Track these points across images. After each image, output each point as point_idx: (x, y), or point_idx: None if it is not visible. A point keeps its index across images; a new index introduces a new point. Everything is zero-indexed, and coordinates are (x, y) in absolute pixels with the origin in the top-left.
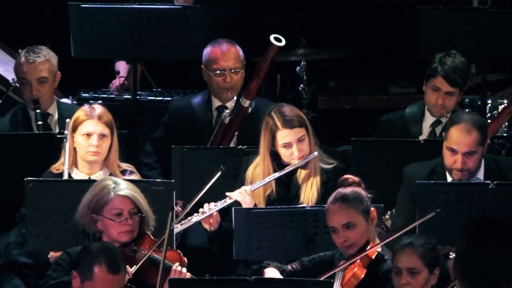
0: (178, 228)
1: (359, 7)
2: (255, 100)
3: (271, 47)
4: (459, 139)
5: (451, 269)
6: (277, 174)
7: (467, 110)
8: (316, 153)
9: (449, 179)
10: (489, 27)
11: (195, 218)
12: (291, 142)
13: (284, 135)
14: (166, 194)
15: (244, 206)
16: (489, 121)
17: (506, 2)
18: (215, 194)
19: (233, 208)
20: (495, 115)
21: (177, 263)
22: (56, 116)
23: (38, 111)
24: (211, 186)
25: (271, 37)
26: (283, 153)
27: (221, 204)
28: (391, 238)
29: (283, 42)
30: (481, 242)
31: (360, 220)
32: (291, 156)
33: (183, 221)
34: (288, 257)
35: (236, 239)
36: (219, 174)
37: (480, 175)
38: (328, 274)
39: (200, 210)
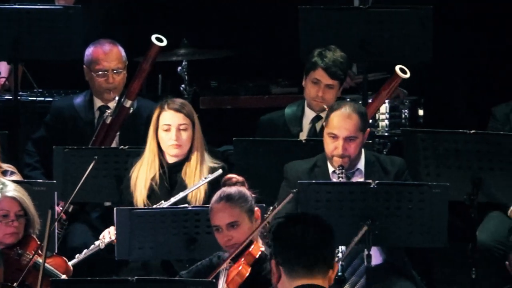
0: (81, 256)
1: (240, 6)
2: (137, 100)
3: (152, 48)
4: (339, 123)
5: None
6: (201, 182)
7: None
8: (220, 171)
9: (331, 169)
10: (370, 26)
11: (94, 246)
12: (171, 126)
13: (166, 117)
14: (48, 195)
15: None
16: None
17: (386, 2)
18: (95, 193)
19: (114, 208)
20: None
21: (64, 275)
22: None
23: None
24: (92, 185)
25: (153, 37)
26: (163, 137)
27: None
28: (260, 226)
29: (165, 42)
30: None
31: (244, 219)
32: (169, 141)
33: (85, 250)
34: (170, 257)
35: (118, 239)
36: (92, 164)
37: (361, 165)
38: (213, 275)
39: (100, 237)
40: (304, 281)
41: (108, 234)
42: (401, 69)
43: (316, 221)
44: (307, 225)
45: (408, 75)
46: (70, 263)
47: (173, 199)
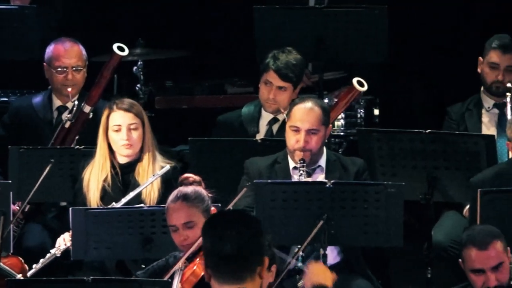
0: (38, 266)
1: (196, 6)
2: None
3: (114, 56)
4: (302, 116)
5: None
6: (150, 180)
7: None
8: (168, 166)
9: (291, 165)
10: (325, 26)
11: (51, 254)
12: (121, 126)
13: (116, 117)
14: (3, 195)
15: None
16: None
17: (342, 2)
18: (51, 193)
19: (70, 208)
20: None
21: (20, 275)
22: None
23: None
24: (48, 185)
25: (114, 46)
26: (113, 137)
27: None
28: None
29: (126, 52)
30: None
31: (201, 219)
32: (119, 141)
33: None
34: (126, 257)
35: (74, 239)
36: (48, 168)
37: (322, 163)
38: (168, 275)
39: (56, 245)
40: (232, 286)
41: (63, 242)
42: (359, 82)
43: (241, 220)
44: (231, 230)
45: (365, 87)
46: (28, 274)
47: (124, 200)
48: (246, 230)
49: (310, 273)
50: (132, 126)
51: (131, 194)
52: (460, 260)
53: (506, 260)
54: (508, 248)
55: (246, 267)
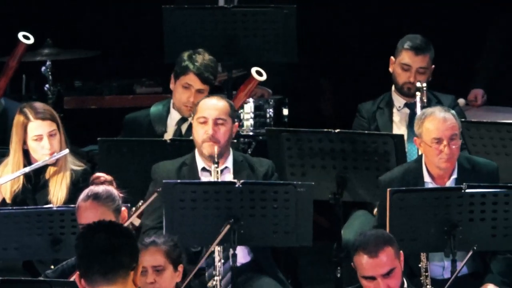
0: None
1: (104, 6)
2: (4, 101)
3: (19, 45)
4: (209, 106)
5: None
6: (27, 169)
7: None
8: (67, 150)
9: (200, 166)
10: (235, 26)
11: None
12: (42, 135)
13: (35, 127)
14: None
15: None
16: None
17: (251, 1)
18: None
19: None
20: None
21: None
22: None
23: None
24: None
25: (20, 35)
26: (34, 147)
27: None
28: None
29: (32, 40)
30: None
31: (111, 218)
32: (42, 150)
33: None
34: (35, 257)
35: None
36: None
37: (229, 163)
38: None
39: None
40: None
41: None
42: (257, 71)
43: (112, 227)
44: (101, 233)
45: (264, 77)
46: None
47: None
48: (120, 234)
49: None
50: (52, 133)
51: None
52: (352, 264)
53: (398, 266)
54: (401, 251)
55: (117, 269)
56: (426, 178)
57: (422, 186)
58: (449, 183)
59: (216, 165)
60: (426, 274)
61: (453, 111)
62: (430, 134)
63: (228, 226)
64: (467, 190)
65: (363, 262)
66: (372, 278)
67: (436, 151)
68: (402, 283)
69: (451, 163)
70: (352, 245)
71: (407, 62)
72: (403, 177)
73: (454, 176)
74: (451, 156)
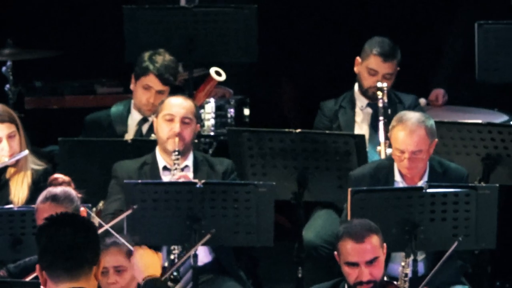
0: None
1: (65, 6)
2: None
3: None
4: (176, 104)
5: None
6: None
7: None
8: (26, 151)
9: (161, 165)
10: (196, 26)
11: None
12: (1, 137)
13: None
14: None
15: None
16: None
17: (212, 1)
18: None
19: None
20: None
21: None
22: None
23: None
24: None
25: None
26: None
27: None
28: None
29: None
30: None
31: None
32: (1, 152)
33: None
34: None
35: None
36: None
37: (189, 162)
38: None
39: None
40: (68, 285)
41: None
42: (216, 72)
43: (76, 221)
44: (66, 227)
45: (223, 77)
46: None
47: None
48: (82, 228)
49: (139, 264)
50: (11, 135)
51: None
52: (335, 252)
53: (381, 256)
54: (385, 244)
55: (82, 265)
56: (397, 177)
57: (392, 185)
58: (419, 184)
59: (177, 153)
60: (405, 279)
61: (429, 123)
62: (395, 142)
63: (208, 236)
64: (428, 190)
65: (348, 247)
66: (356, 265)
67: (398, 158)
68: (383, 275)
69: (412, 172)
70: (337, 233)
71: (374, 68)
72: (374, 174)
73: (425, 179)
74: (412, 168)
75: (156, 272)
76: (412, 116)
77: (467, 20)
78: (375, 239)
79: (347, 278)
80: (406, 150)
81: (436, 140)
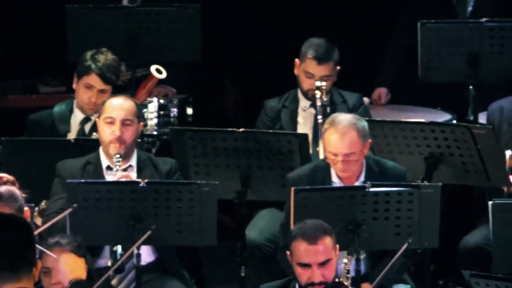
0: None
1: (7, 4)
2: None
3: None
4: (116, 106)
5: None
6: None
7: None
8: None
9: (104, 165)
10: (138, 25)
11: None
12: None
13: None
14: None
15: None
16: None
17: (155, 0)
18: None
19: None
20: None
21: None
22: None
23: None
24: None
25: None
26: None
27: None
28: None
29: None
30: None
31: None
32: None
33: None
34: None
35: None
36: None
37: (133, 162)
38: None
39: None
40: (13, 285)
41: None
42: (157, 69)
43: (16, 221)
44: (9, 229)
45: (164, 75)
46: None
47: None
48: (26, 229)
49: (64, 268)
50: None
51: None
52: (288, 252)
53: (334, 258)
54: (337, 245)
55: (25, 265)
56: (334, 178)
57: (330, 185)
58: (357, 184)
59: (118, 155)
60: (348, 275)
61: (360, 125)
62: (327, 145)
63: (149, 232)
64: (371, 189)
65: (301, 248)
66: (308, 266)
67: (332, 161)
68: (335, 277)
69: (347, 174)
70: (290, 233)
71: (310, 71)
72: (311, 175)
73: (362, 179)
74: (346, 170)
75: (81, 275)
76: (344, 119)
77: (410, 20)
78: (328, 241)
79: (298, 279)
80: (339, 153)
81: (370, 140)
